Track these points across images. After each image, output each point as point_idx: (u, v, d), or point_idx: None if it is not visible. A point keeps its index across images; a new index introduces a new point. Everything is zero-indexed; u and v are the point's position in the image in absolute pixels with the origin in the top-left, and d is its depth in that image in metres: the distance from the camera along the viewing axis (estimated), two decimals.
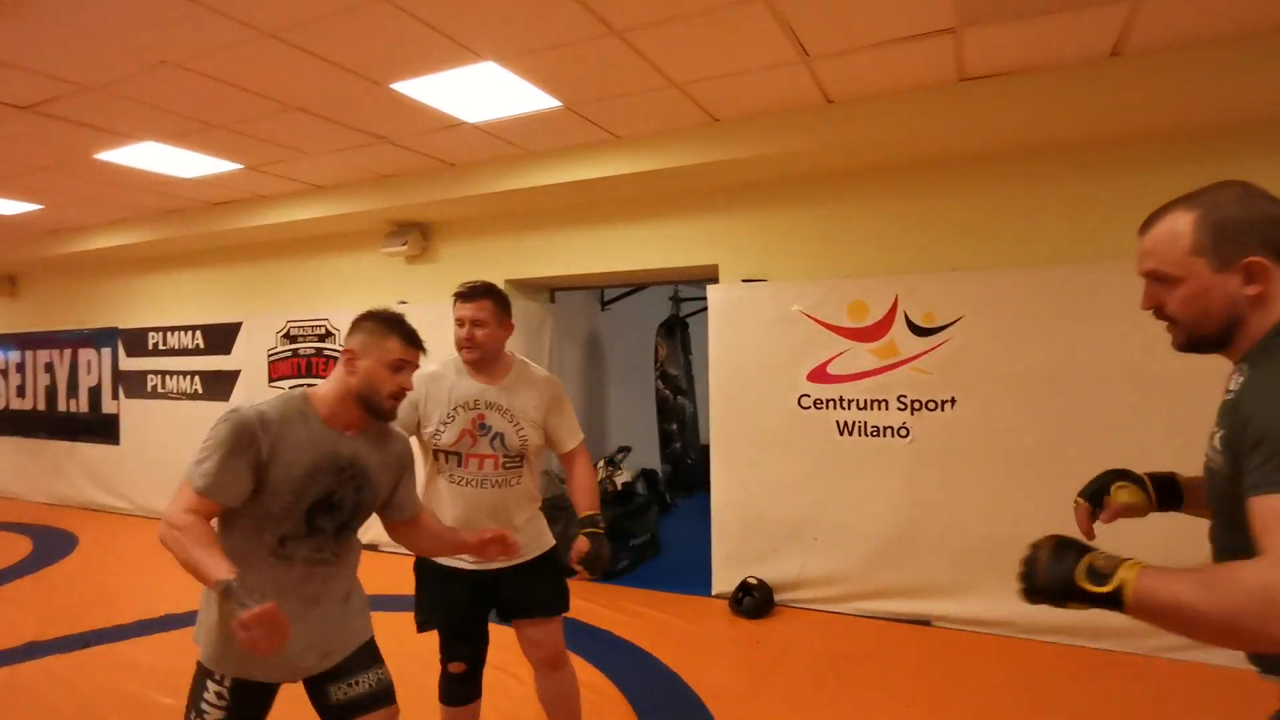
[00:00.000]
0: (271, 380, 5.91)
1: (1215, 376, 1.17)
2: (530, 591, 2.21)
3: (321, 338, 5.69)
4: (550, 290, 5.58)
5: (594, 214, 4.74)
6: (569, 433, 2.29)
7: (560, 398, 2.28)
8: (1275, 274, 1.07)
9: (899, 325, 3.82)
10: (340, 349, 1.78)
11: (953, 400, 3.71)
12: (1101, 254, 3.46)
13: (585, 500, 2.26)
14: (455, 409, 2.15)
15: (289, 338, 5.86)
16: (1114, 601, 0.99)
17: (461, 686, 2.23)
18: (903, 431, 3.81)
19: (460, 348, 2.17)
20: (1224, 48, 2.88)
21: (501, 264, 5.08)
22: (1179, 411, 3.16)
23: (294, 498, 1.56)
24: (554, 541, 2.34)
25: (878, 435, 3.87)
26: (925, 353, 3.76)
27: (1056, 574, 1.05)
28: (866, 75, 3.23)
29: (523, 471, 2.21)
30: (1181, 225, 1.11)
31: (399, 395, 1.66)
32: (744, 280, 4.26)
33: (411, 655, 2.47)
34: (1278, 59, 2.82)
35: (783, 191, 4.19)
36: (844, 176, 4.03)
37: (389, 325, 1.66)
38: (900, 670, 3.27)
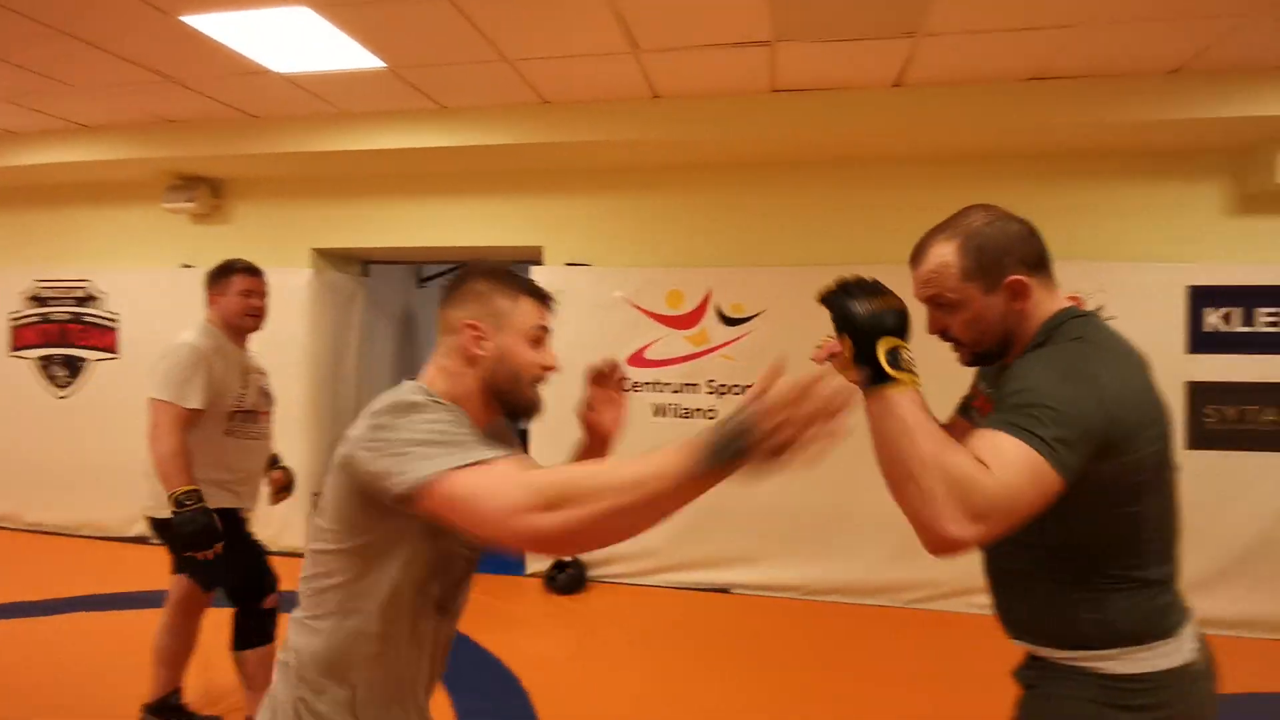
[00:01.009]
0: (14, 349, 5.02)
1: None
2: None
3: (81, 301, 4.92)
4: (362, 263, 5.27)
5: (413, 185, 4.55)
6: None
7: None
8: (1033, 286, 1.17)
9: (711, 314, 4.09)
10: (465, 325, 1.18)
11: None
12: (887, 258, 3.94)
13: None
14: (248, 374, 2.46)
15: (37, 300, 5.01)
16: (876, 380, 1.05)
17: (272, 619, 2.41)
18: (711, 414, 4.09)
19: (250, 315, 2.46)
20: (984, 90, 3.41)
21: (307, 230, 4.71)
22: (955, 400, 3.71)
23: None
24: None
25: (689, 417, 4.12)
26: (733, 341, 4.06)
27: (872, 323, 1.08)
28: (691, 74, 3.42)
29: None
30: (948, 254, 1.19)
31: (542, 380, 1.25)
32: (568, 264, 4.32)
33: None
34: (1023, 102, 3.39)
35: (609, 178, 4.30)
36: (668, 169, 4.22)
37: (514, 283, 1.24)
38: (702, 634, 3.53)
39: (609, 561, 4.19)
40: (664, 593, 4.08)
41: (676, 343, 4.12)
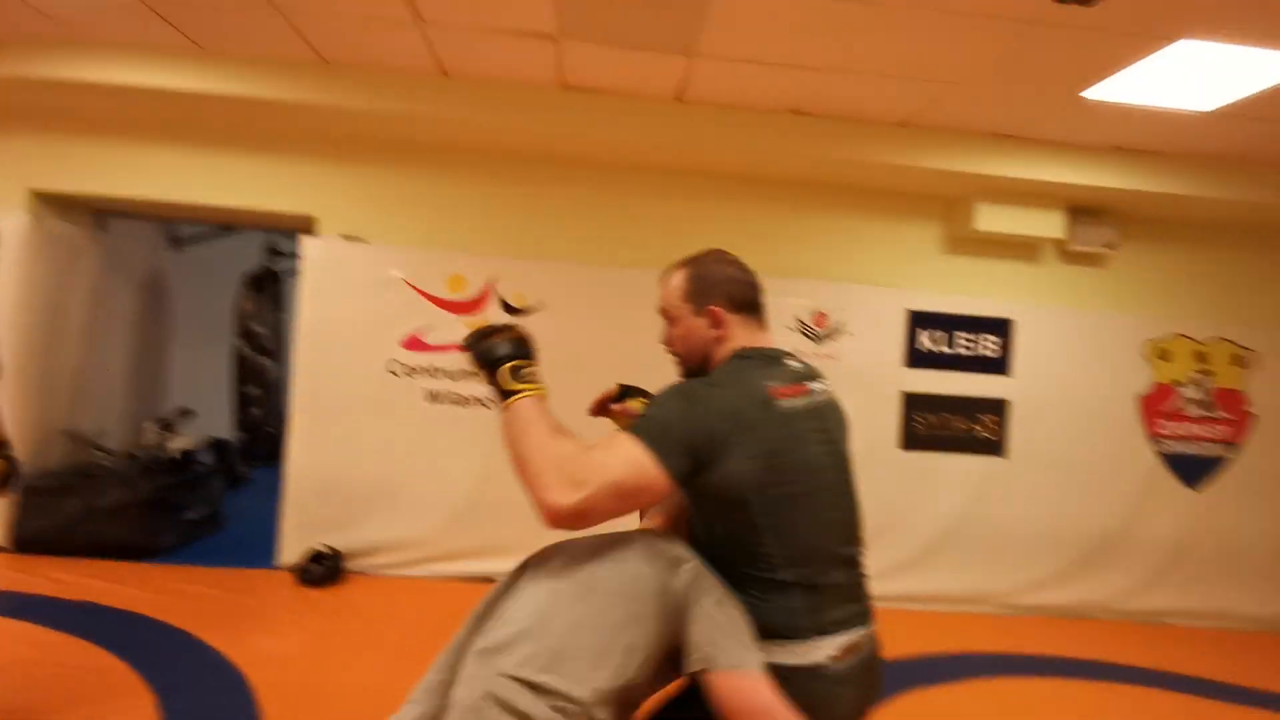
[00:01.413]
0: None
1: None
2: None
3: None
4: (96, 214, 4.58)
5: (167, 131, 4.04)
6: None
7: None
8: (732, 322, 1.43)
9: (493, 303, 4.06)
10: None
11: None
12: (660, 263, 4.17)
13: None
14: None
15: None
16: (506, 394, 1.32)
17: None
18: (489, 402, 4.06)
19: None
20: (751, 116, 3.73)
21: (25, 168, 4.01)
22: None
23: None
24: None
25: (465, 405, 4.06)
26: None
27: (495, 352, 1.34)
28: (479, 56, 3.38)
29: None
30: (679, 279, 1.48)
31: None
32: (343, 237, 4.08)
33: None
34: (784, 133, 3.75)
35: (394, 152, 4.12)
36: (458, 151, 4.13)
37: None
38: (458, 624, 3.47)
39: (371, 552, 4.01)
40: (430, 584, 3.97)
41: (456, 329, 4.04)
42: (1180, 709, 3.24)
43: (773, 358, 1.42)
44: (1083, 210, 4.25)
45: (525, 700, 1.08)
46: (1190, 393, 4.43)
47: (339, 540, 3.95)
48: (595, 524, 1.23)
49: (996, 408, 4.35)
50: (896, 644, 3.72)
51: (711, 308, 1.43)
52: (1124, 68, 2.97)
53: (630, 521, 1.42)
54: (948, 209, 4.37)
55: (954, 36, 2.81)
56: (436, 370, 4.04)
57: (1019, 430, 4.33)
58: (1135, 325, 4.44)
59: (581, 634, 1.15)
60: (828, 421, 1.42)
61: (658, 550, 1.24)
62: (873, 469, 4.19)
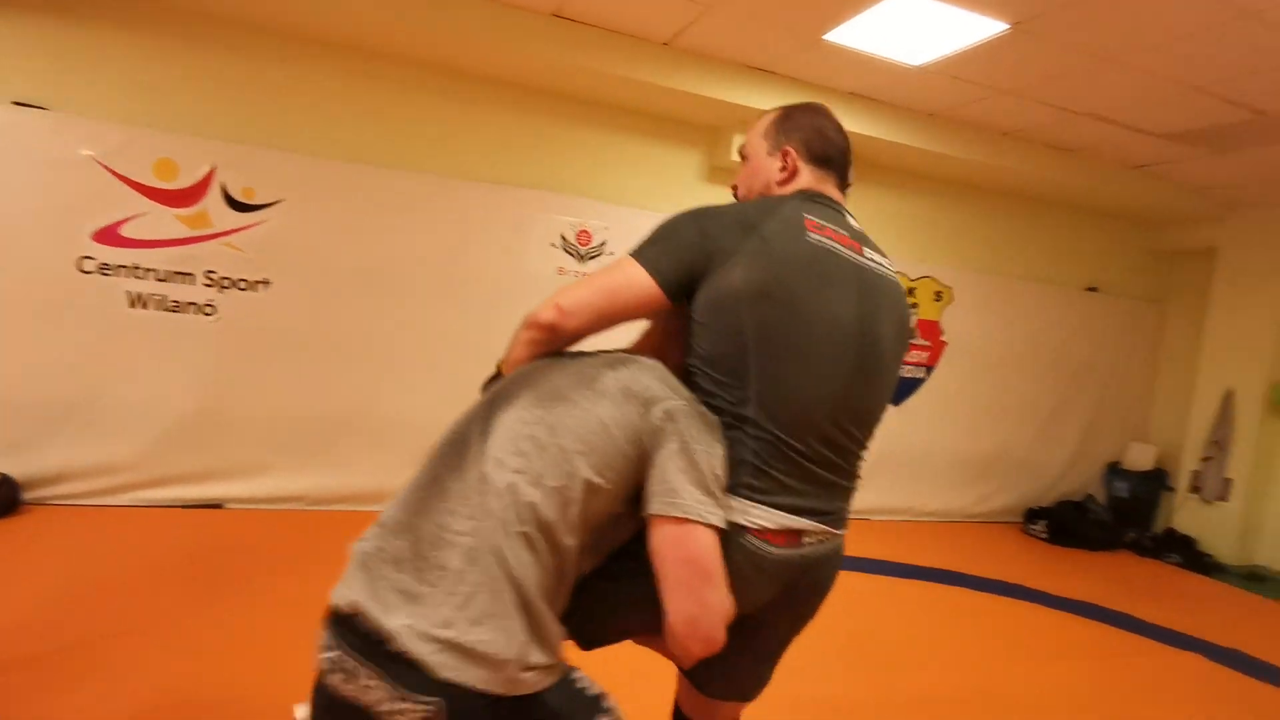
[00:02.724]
0: None
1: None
2: None
3: None
4: None
5: None
6: None
7: None
8: (804, 171, 1.31)
9: (214, 195, 3.55)
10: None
11: (266, 281, 3.66)
12: (426, 166, 3.90)
13: None
14: None
15: None
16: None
17: None
18: (208, 309, 3.59)
19: None
20: (512, 14, 3.53)
21: None
22: (474, 311, 3.91)
23: None
24: None
25: (179, 311, 3.55)
26: (242, 229, 3.60)
27: None
28: None
29: None
30: (767, 117, 1.36)
31: None
32: (15, 103, 3.31)
33: None
34: (547, 38, 3.60)
35: (89, 3, 3.38)
36: (171, 11, 3.48)
37: None
38: (180, 554, 3.10)
39: (57, 480, 3.43)
40: (134, 512, 3.50)
41: (166, 222, 3.49)
42: (874, 589, 3.79)
43: (832, 205, 1.29)
44: None
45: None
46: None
47: (15, 466, 3.34)
48: (577, 334, 1.19)
49: None
50: None
51: (786, 148, 1.31)
52: (859, 12, 3.20)
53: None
54: (710, 138, 4.53)
55: None
56: (141, 270, 3.47)
57: None
58: None
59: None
60: (874, 291, 1.22)
61: (630, 389, 1.09)
62: None
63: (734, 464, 1.11)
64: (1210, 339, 5.37)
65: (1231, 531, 5.08)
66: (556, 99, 4.17)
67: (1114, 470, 5.73)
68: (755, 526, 1.11)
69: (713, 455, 1.07)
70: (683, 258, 1.17)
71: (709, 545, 1.04)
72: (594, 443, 1.04)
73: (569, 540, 1.04)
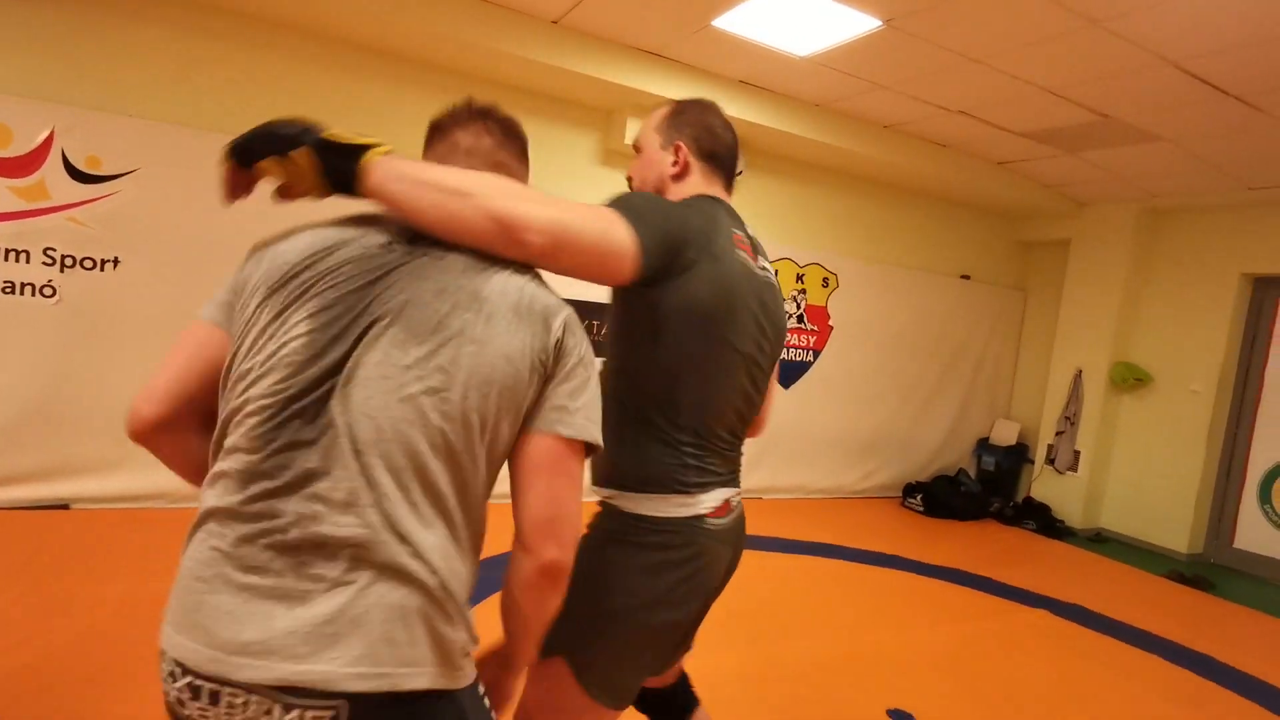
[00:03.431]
0: None
1: None
2: None
3: None
4: None
5: None
6: None
7: None
8: (694, 168, 1.36)
9: (54, 164, 3.22)
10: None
11: (116, 260, 3.36)
12: None
13: None
14: None
15: None
16: (349, 162, 0.97)
17: None
18: (48, 291, 3.25)
19: None
20: None
21: None
22: None
23: None
24: None
25: (13, 293, 3.20)
26: (87, 202, 3.28)
27: (304, 131, 0.98)
28: None
29: None
30: (659, 112, 1.40)
31: None
32: None
33: None
34: (425, 13, 3.46)
35: None
36: None
37: None
38: (19, 560, 2.81)
39: None
40: None
41: None
42: (762, 564, 3.91)
43: (734, 213, 1.37)
44: None
45: None
46: (789, 308, 5.26)
47: None
48: (520, 256, 0.99)
49: None
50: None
51: (678, 143, 1.36)
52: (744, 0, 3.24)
53: None
54: (604, 120, 4.50)
55: None
56: None
57: None
58: None
59: None
60: (766, 303, 1.33)
61: (521, 304, 0.93)
62: None
63: (679, 468, 1.24)
64: (1064, 323, 5.86)
65: (1079, 499, 5.58)
66: (449, 75, 4.03)
67: (983, 445, 6.17)
68: (709, 510, 1.27)
69: (593, 367, 1.00)
70: (666, 242, 1.15)
71: (583, 463, 1.00)
72: (498, 383, 0.90)
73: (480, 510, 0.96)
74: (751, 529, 4.50)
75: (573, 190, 4.45)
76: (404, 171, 0.98)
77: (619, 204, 1.15)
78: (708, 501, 1.26)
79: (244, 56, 3.57)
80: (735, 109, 4.28)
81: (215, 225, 3.49)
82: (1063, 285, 5.92)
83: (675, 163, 1.36)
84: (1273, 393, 5.05)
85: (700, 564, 1.25)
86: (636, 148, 1.43)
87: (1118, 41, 3.11)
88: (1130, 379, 5.47)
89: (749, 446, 5.04)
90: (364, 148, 0.99)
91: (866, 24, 3.27)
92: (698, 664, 2.57)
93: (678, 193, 1.35)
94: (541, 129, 4.34)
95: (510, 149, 1.17)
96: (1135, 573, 4.71)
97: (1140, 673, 3.12)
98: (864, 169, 5.20)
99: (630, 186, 1.43)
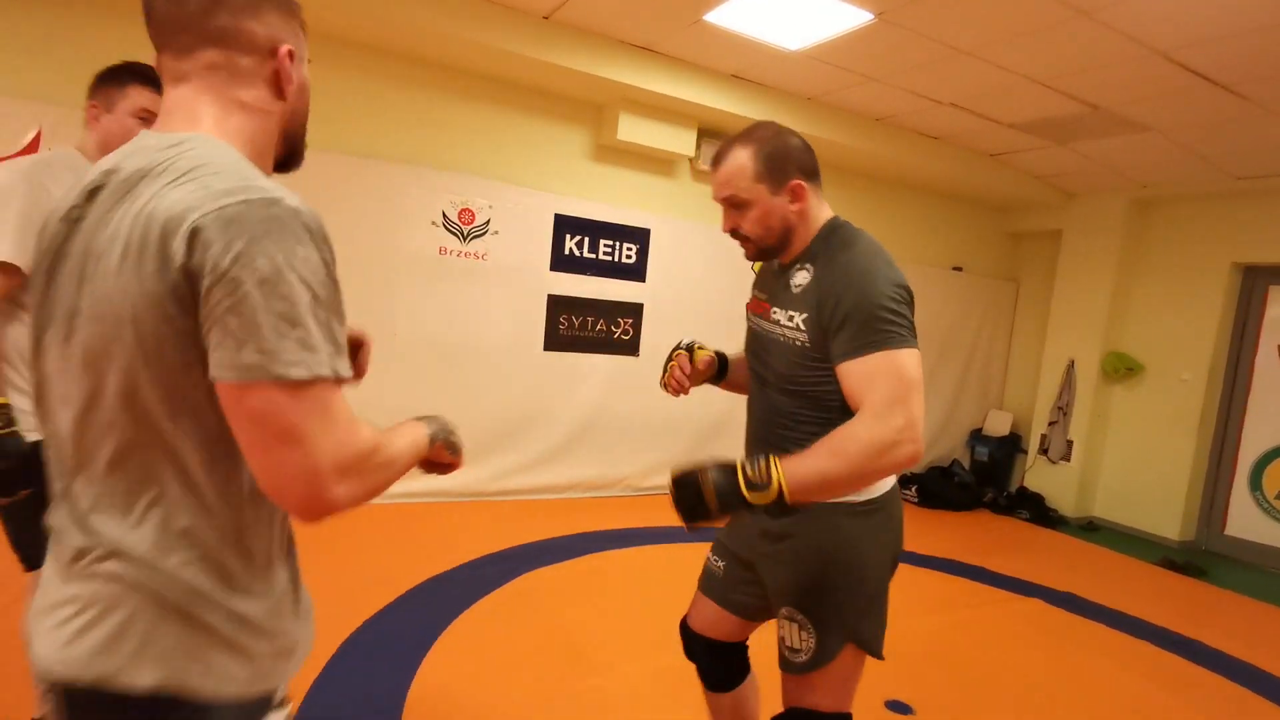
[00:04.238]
0: None
1: None
2: None
3: None
4: None
5: None
6: None
7: None
8: (809, 192, 1.39)
9: None
10: None
11: None
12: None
13: None
14: None
15: None
16: (779, 500, 1.17)
17: None
18: None
19: None
20: None
21: None
22: (347, 293, 3.65)
23: None
24: None
25: None
26: None
27: (725, 498, 1.18)
28: None
29: None
30: (743, 160, 1.37)
31: None
32: None
33: None
34: (414, 8, 3.44)
35: None
36: None
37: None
38: None
39: None
40: None
41: None
42: None
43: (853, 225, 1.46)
44: (710, 132, 4.68)
45: None
46: None
47: None
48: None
49: (632, 311, 4.72)
50: (539, 529, 3.95)
51: (794, 183, 1.39)
52: None
53: None
54: (596, 116, 4.50)
55: None
56: None
57: (649, 331, 4.76)
58: None
59: None
60: None
61: (148, 236, 0.72)
62: (518, 368, 4.35)
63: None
64: (1055, 314, 5.89)
65: (1072, 488, 5.63)
66: (441, 72, 4.01)
67: (976, 436, 6.21)
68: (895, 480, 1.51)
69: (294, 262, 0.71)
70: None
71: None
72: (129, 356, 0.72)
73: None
74: None
75: (564, 185, 4.45)
76: (809, 484, 1.21)
77: (896, 323, 1.28)
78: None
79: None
80: (727, 103, 4.29)
81: None
82: (1054, 276, 5.95)
83: (794, 199, 1.39)
84: (1262, 380, 5.09)
85: (900, 527, 1.48)
86: (735, 203, 1.41)
87: (1107, 32, 3.12)
88: (1122, 369, 5.51)
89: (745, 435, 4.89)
90: (774, 497, 1.19)
91: (858, 17, 3.27)
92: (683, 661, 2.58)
93: (805, 223, 1.42)
94: (533, 125, 4.34)
95: None
96: (1128, 561, 4.75)
97: (1133, 660, 3.15)
98: (855, 162, 5.21)
99: (747, 242, 1.44)
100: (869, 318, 1.26)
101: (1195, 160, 4.61)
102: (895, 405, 1.21)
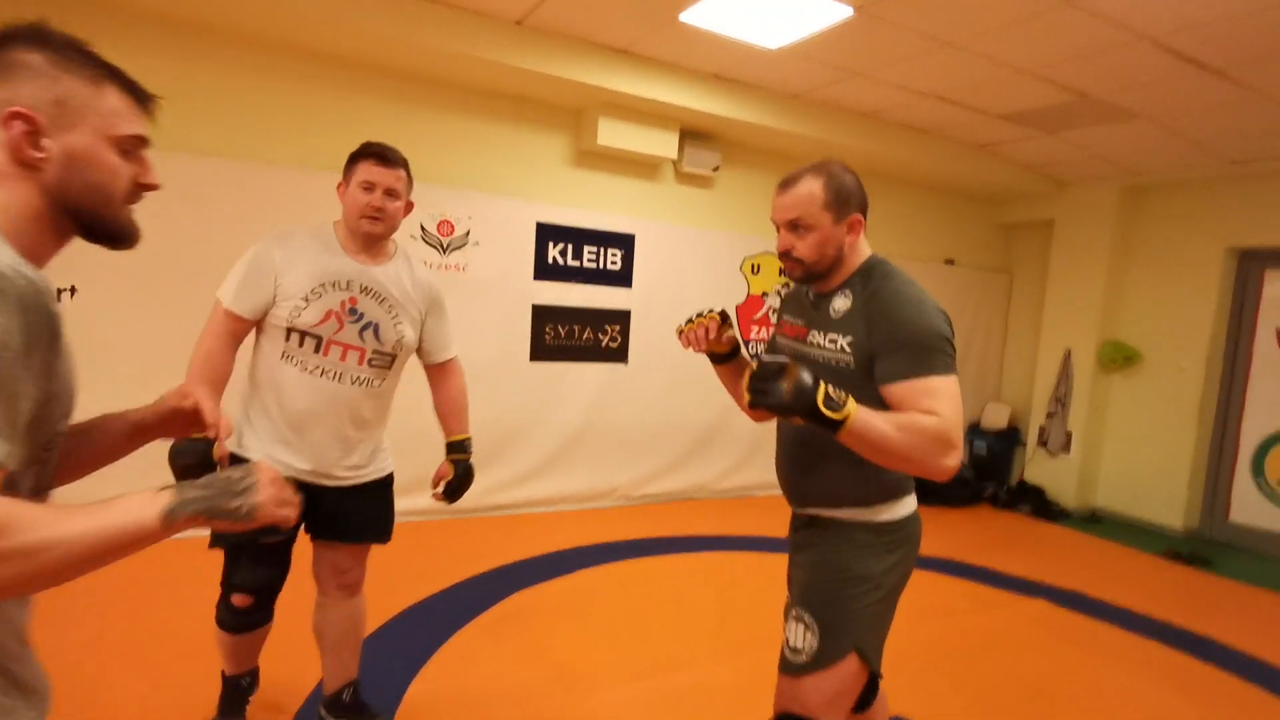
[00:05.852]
0: None
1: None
2: (358, 514, 1.98)
3: None
4: None
5: None
6: (444, 341, 2.08)
7: (441, 300, 2.07)
8: (861, 227, 1.54)
9: None
10: None
11: (72, 289, 3.24)
12: (253, 153, 3.56)
13: (455, 423, 2.10)
14: (324, 285, 1.82)
15: None
16: (836, 425, 1.27)
17: (248, 616, 1.94)
18: None
19: (364, 216, 1.83)
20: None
21: None
22: None
23: None
24: (394, 466, 2.07)
25: None
26: None
27: (802, 392, 1.26)
28: None
29: (388, 374, 1.95)
30: (813, 187, 1.50)
31: (137, 198, 0.92)
32: None
33: None
34: (390, 15, 3.35)
35: None
36: None
37: (93, 64, 0.92)
38: None
39: None
40: None
41: None
42: (761, 563, 3.86)
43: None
44: (693, 134, 4.60)
45: None
46: (774, 301, 5.19)
47: None
48: None
49: (619, 318, 4.64)
50: (530, 545, 3.86)
51: (854, 217, 1.52)
52: None
53: None
54: (575, 121, 4.41)
55: None
56: None
57: (638, 337, 4.68)
58: (736, 243, 5.02)
59: None
60: None
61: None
62: (504, 380, 4.26)
63: (906, 479, 1.58)
64: (1050, 304, 5.82)
65: (1073, 479, 5.56)
66: (413, 82, 3.92)
67: (974, 430, 6.13)
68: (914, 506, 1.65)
69: None
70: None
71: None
72: None
73: None
74: (744, 528, 4.44)
75: (545, 192, 4.36)
76: (867, 435, 1.31)
77: (939, 351, 1.40)
78: (913, 500, 1.59)
79: (188, 68, 3.45)
80: (709, 104, 4.20)
81: (172, 251, 3.38)
82: (1048, 266, 5.88)
83: (852, 232, 1.54)
84: (1261, 365, 5.02)
85: (917, 545, 1.61)
86: (798, 224, 1.53)
87: (1093, 19, 3.04)
88: (1119, 358, 5.43)
89: (741, 441, 4.93)
90: (838, 421, 1.28)
91: (838, 12, 3.19)
92: (698, 665, 2.51)
93: (853, 255, 1.56)
94: (510, 132, 4.25)
95: None
96: (1132, 553, 4.68)
97: (1142, 661, 3.08)
98: (842, 158, 5.07)
99: (798, 264, 1.54)
100: (925, 344, 1.39)
101: (1187, 146, 4.53)
102: (957, 423, 1.35)
